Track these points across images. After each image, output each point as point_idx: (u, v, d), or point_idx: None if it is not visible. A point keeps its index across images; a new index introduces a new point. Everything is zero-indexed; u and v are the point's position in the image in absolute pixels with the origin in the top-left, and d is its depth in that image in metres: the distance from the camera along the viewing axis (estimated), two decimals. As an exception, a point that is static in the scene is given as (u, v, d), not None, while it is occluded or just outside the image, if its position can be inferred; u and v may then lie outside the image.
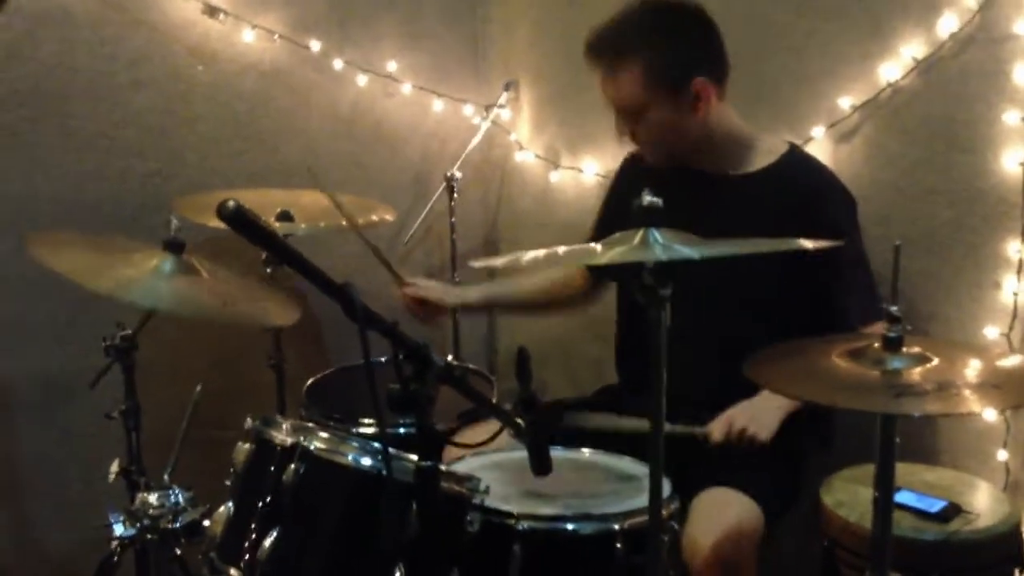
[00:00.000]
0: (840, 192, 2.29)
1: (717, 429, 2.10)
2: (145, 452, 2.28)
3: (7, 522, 2.77)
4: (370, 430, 2.35)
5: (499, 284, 2.90)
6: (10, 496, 2.77)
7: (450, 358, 2.97)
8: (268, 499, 1.73)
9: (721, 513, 1.97)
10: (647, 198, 1.55)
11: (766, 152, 2.30)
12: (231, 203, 1.24)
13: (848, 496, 2.03)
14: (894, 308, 1.63)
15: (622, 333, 2.53)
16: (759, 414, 2.12)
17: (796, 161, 2.31)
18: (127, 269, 2.08)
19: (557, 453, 1.86)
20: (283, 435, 1.77)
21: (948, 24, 2.28)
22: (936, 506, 1.96)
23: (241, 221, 1.26)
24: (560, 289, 2.63)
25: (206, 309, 2.12)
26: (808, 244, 1.75)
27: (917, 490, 2.02)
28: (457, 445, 1.74)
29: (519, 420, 1.74)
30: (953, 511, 1.96)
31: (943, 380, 1.58)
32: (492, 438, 1.75)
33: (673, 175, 2.27)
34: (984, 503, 2.02)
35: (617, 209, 2.49)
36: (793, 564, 2.16)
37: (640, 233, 1.54)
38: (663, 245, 1.51)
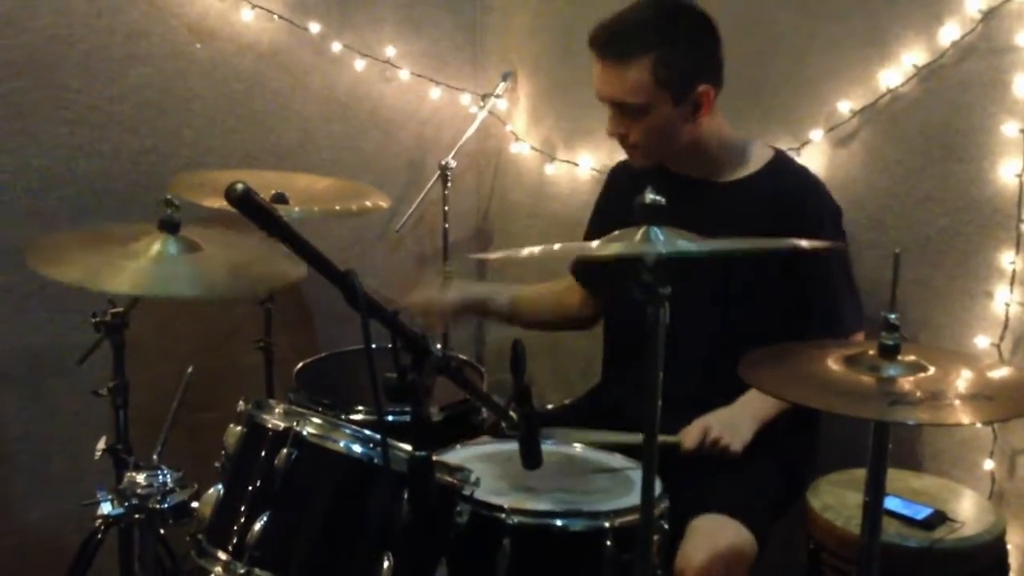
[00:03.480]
0: (824, 199, 2.30)
1: (691, 437, 2.10)
2: (131, 431, 2.27)
3: (-12, 496, 2.75)
4: (358, 417, 2.35)
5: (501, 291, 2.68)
6: (-7, 469, 2.75)
7: (438, 347, 2.96)
8: (259, 483, 1.73)
9: (714, 540, 1.97)
10: (649, 196, 1.56)
11: (752, 159, 2.30)
12: (240, 186, 1.23)
13: (835, 500, 2.04)
14: (892, 316, 1.63)
15: (611, 334, 2.53)
16: (734, 424, 2.13)
17: (781, 168, 2.31)
18: (131, 261, 2.05)
19: (548, 447, 1.85)
20: (276, 419, 1.76)
21: (950, 32, 2.28)
22: (922, 513, 1.97)
23: (249, 204, 1.25)
24: (560, 310, 2.62)
25: (218, 285, 2.11)
26: (804, 243, 1.76)
27: (904, 496, 2.02)
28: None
29: (512, 413, 1.75)
30: (938, 519, 1.96)
31: (936, 390, 1.59)
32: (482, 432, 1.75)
33: (662, 182, 2.26)
34: (969, 512, 2.03)
35: (608, 216, 2.46)
36: (779, 565, 2.17)
37: (641, 230, 1.54)
38: (664, 241, 1.52)
